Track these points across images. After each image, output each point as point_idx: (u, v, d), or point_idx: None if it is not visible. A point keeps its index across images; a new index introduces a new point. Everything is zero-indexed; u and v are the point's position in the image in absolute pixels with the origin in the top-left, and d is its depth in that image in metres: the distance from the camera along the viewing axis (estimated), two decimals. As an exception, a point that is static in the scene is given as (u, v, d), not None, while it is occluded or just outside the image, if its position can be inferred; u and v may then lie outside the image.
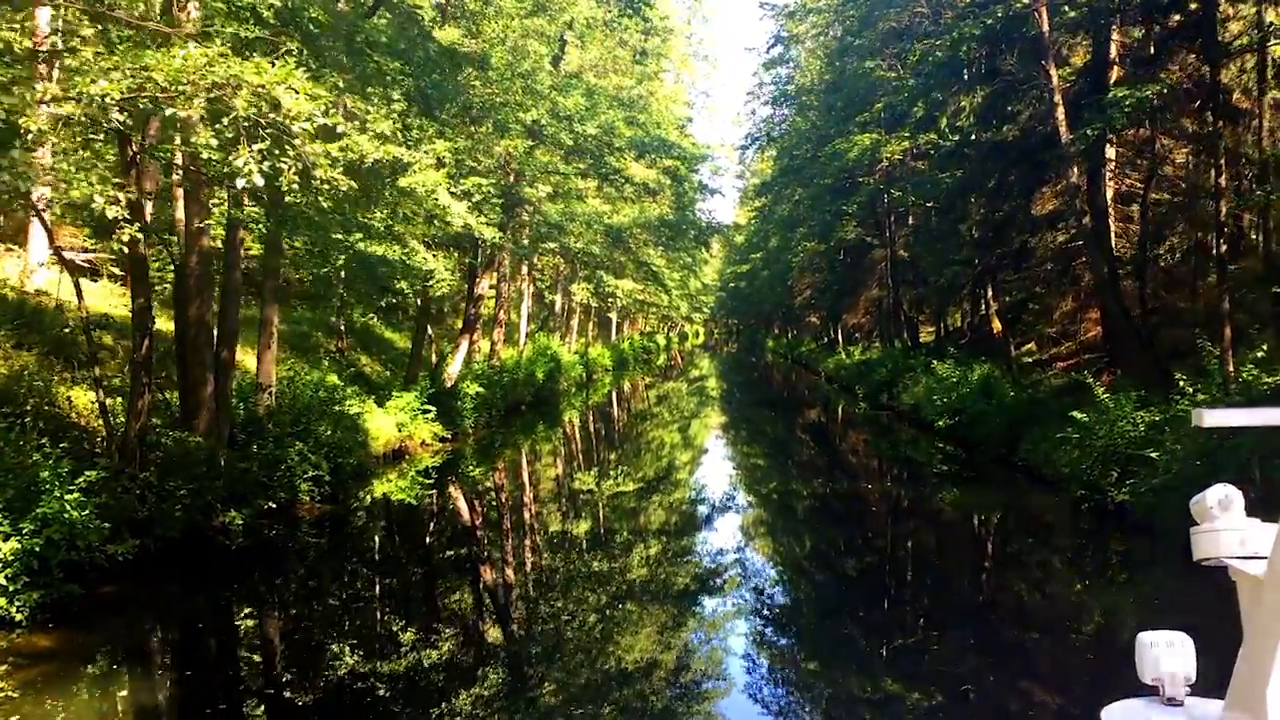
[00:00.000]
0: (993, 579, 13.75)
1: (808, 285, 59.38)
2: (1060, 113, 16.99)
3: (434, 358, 27.22)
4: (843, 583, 13.65)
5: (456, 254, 25.10)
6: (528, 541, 15.75)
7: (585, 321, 56.68)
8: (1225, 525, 2.68)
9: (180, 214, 14.36)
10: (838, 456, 27.37)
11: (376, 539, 15.55)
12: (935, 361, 28.78)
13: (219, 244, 15.84)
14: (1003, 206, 21.68)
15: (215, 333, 14.60)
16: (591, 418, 38.09)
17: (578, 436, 31.62)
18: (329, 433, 17.10)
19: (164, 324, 15.24)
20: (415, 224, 19.15)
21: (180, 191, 14.33)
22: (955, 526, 17.32)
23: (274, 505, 14.43)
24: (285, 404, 16.51)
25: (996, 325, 28.23)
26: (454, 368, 26.02)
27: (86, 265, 19.08)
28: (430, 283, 20.35)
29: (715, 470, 24.46)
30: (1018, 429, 20.05)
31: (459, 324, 37.62)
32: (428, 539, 15.97)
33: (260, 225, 13.41)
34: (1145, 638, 2.83)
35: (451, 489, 20.16)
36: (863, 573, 14.28)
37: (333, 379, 20.19)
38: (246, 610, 11.65)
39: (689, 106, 54.48)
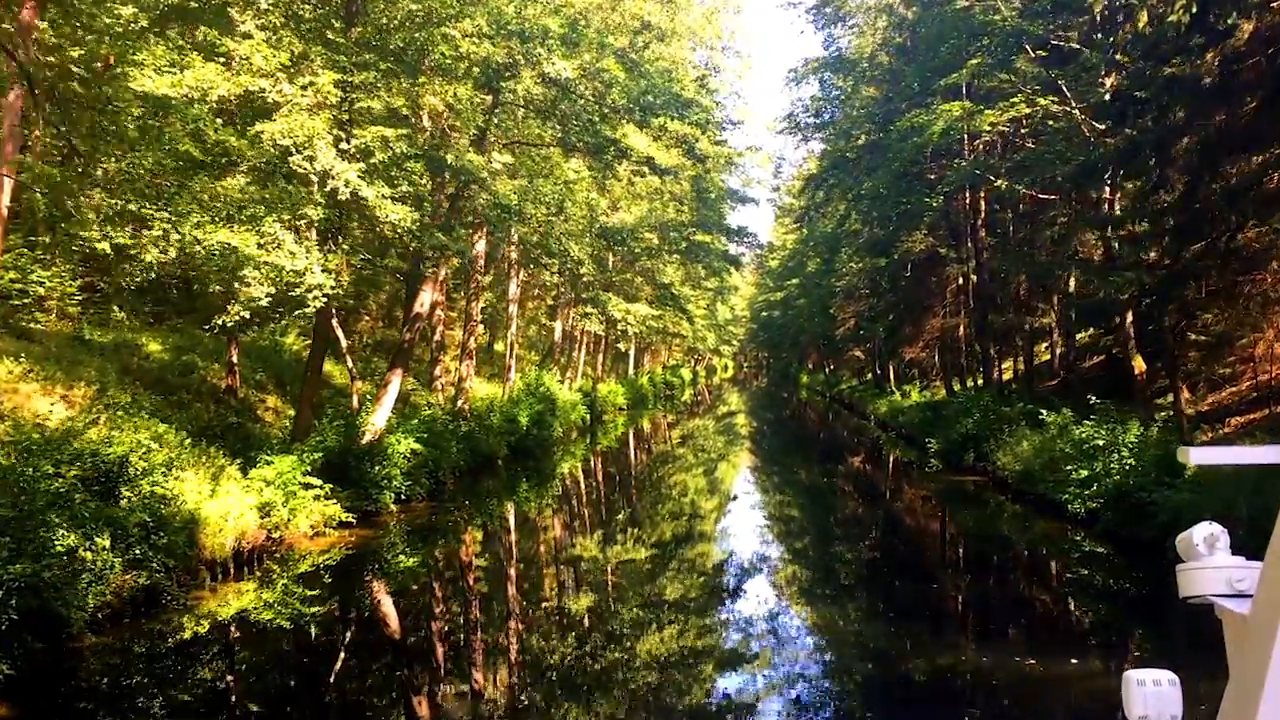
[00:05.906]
0: None
1: (852, 313, 51.54)
2: None
3: (356, 401, 19.74)
4: None
5: (355, 253, 17.65)
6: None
7: (596, 353, 49.17)
8: (1211, 563, 2.57)
9: None
10: (920, 555, 19.33)
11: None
12: (1047, 413, 20.90)
13: None
14: (1208, 179, 13.67)
15: None
16: (592, 471, 30.44)
17: (562, 503, 23.98)
18: (60, 541, 9.61)
19: None
20: (251, 190, 11.78)
21: None
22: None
23: None
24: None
25: (1139, 364, 20.25)
26: (379, 415, 18.47)
27: None
28: (297, 290, 12.83)
29: (744, 578, 16.64)
30: (1247, 536, 12.18)
31: (427, 353, 30.20)
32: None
33: None
34: (1132, 675, 2.70)
35: (325, 613, 12.58)
36: None
37: (135, 437, 12.71)
38: None
39: (715, 101, 46.74)
